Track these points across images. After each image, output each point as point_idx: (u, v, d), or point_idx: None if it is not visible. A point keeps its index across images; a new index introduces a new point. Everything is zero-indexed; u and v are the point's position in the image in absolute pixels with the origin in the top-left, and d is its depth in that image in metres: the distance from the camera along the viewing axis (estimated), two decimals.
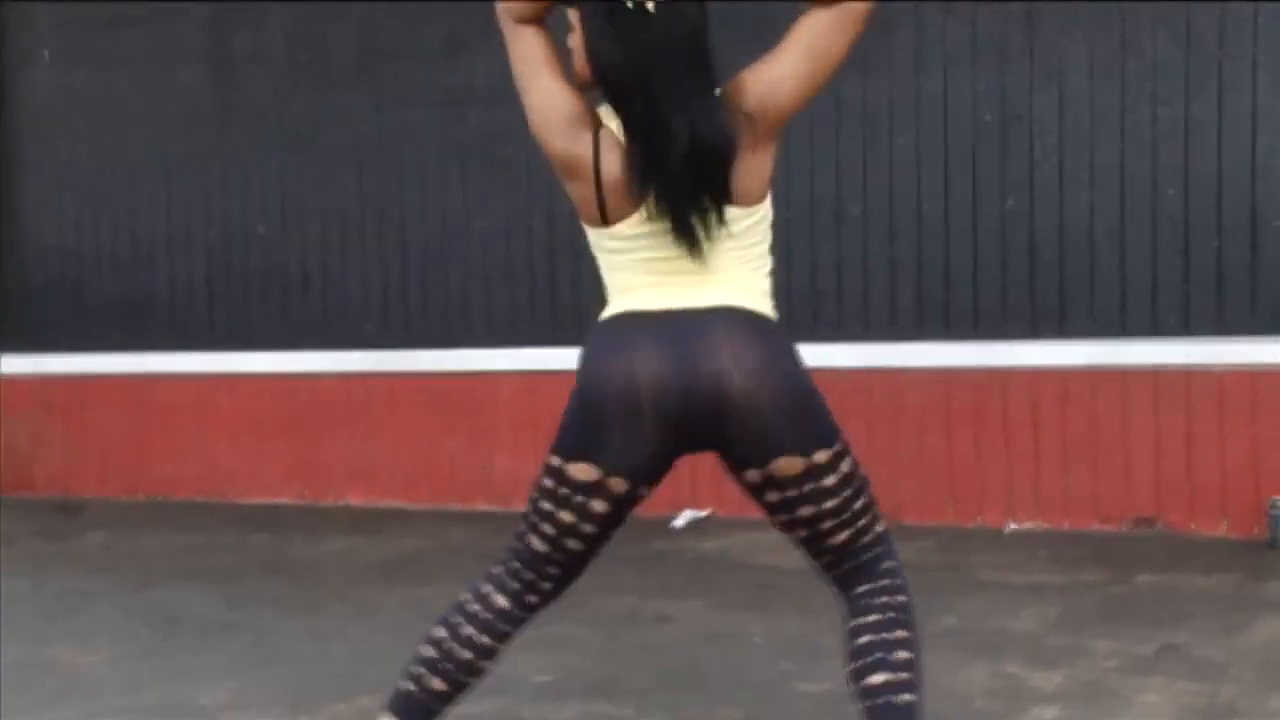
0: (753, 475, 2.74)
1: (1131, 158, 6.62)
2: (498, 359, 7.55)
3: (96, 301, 8.77)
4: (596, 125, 2.74)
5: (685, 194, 2.67)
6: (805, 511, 2.74)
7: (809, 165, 7.11)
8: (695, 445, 2.76)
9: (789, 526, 2.79)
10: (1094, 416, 6.68)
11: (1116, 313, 6.65)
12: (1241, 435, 6.43)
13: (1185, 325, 6.55)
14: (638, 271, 2.76)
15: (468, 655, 2.87)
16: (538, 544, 2.84)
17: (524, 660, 4.48)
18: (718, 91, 2.74)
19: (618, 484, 2.75)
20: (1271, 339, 6.39)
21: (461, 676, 2.89)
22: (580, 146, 2.73)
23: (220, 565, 6.44)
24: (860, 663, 2.73)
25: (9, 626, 5.14)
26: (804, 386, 2.76)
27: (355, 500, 8.07)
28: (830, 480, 2.73)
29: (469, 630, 2.87)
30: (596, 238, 2.80)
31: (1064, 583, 5.54)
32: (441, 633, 2.88)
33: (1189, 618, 4.87)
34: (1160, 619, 4.86)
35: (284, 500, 8.21)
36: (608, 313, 2.80)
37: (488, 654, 2.90)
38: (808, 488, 2.72)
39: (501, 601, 2.88)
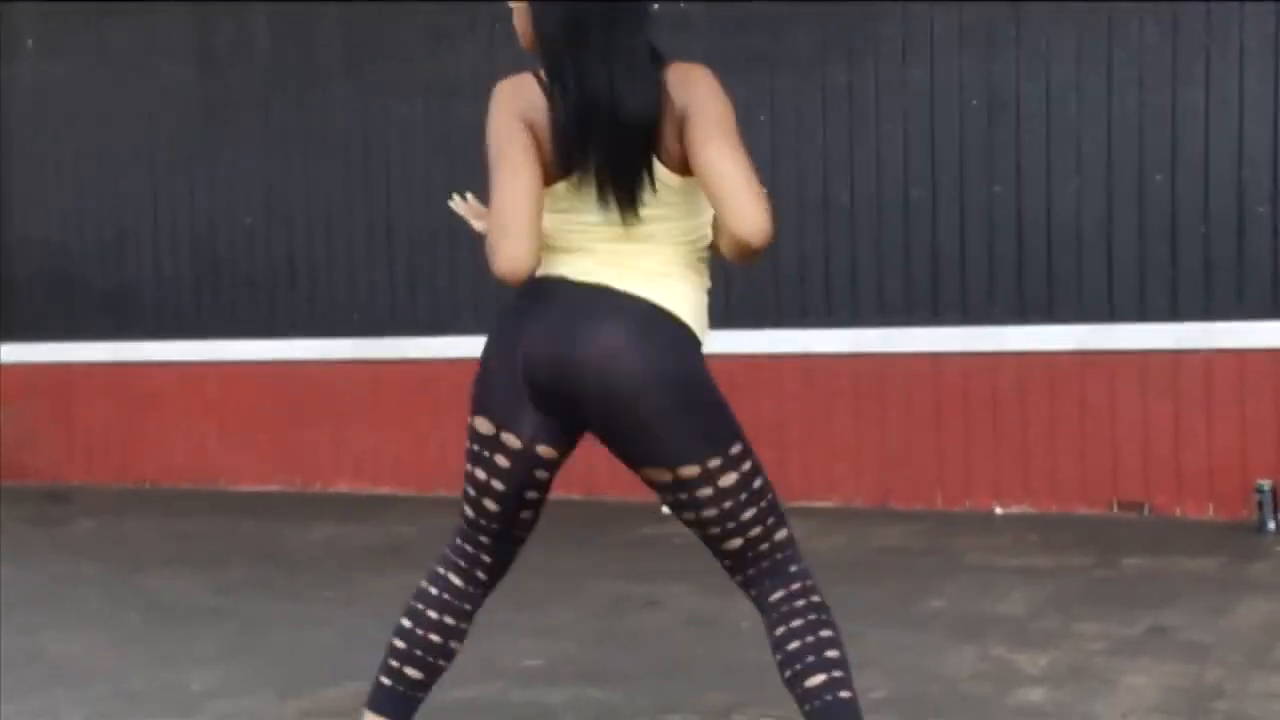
0: (648, 474, 2.75)
1: (1118, 144, 6.64)
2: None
3: (84, 291, 8.75)
4: (538, 78, 2.73)
5: (615, 153, 2.65)
6: (687, 516, 2.75)
7: (796, 153, 7.11)
8: (586, 427, 2.77)
9: (685, 524, 2.81)
10: (1081, 400, 6.70)
11: (1104, 297, 6.67)
12: (1229, 418, 6.45)
13: (1173, 309, 6.57)
14: (577, 237, 2.74)
15: (437, 639, 2.90)
16: (467, 510, 2.88)
17: (515, 646, 4.50)
18: (654, 63, 2.70)
19: (511, 439, 2.76)
20: (1258, 322, 6.40)
21: (435, 661, 2.91)
22: (536, 114, 2.70)
23: (209, 552, 6.44)
24: (795, 668, 2.74)
25: None
26: (693, 392, 2.70)
27: (343, 487, 8.08)
28: (704, 492, 2.70)
29: (433, 614, 2.90)
30: (548, 201, 2.77)
31: (1051, 566, 5.56)
32: (408, 623, 2.91)
33: (1176, 600, 4.90)
34: (1147, 601, 4.88)
35: (272, 487, 8.21)
36: (537, 274, 2.78)
37: (456, 634, 2.92)
38: (681, 496, 2.72)
39: (456, 581, 2.92)
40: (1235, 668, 4.04)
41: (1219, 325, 6.46)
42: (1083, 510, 6.67)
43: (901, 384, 6.99)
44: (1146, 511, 6.57)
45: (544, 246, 2.75)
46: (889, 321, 6.98)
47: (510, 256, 2.65)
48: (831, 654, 2.74)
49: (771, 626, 2.79)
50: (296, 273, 8.24)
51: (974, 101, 6.86)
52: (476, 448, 2.81)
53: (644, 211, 2.69)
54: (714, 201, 2.62)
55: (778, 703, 3.79)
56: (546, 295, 2.73)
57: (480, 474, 2.82)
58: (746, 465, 2.73)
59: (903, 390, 6.99)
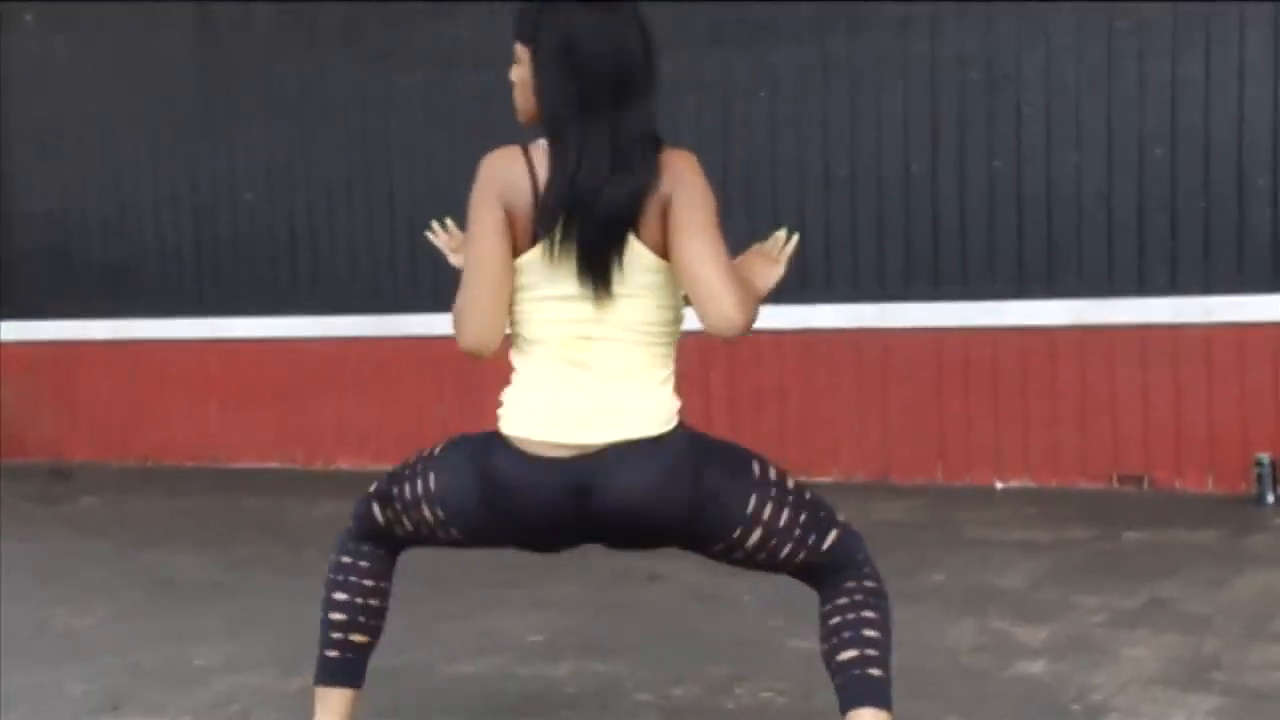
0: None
1: (1118, 116, 6.65)
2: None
3: (85, 268, 8.77)
4: (525, 155, 2.74)
5: (598, 230, 2.66)
6: (738, 556, 2.83)
7: (796, 126, 7.12)
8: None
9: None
10: (1082, 374, 6.73)
11: (1104, 271, 6.69)
12: (1228, 391, 6.48)
13: (1172, 283, 6.59)
14: (544, 325, 2.74)
15: (375, 602, 3.02)
16: (405, 529, 2.96)
17: (517, 620, 4.53)
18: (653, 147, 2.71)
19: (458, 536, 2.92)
20: (1258, 295, 6.42)
21: (377, 623, 3.03)
22: (515, 195, 2.72)
23: (212, 528, 6.47)
24: (831, 642, 2.80)
25: (4, 589, 5.16)
26: (685, 510, 2.73)
27: (346, 464, 8.10)
28: (754, 539, 2.78)
29: (369, 581, 3.00)
30: (530, 277, 2.75)
31: (1052, 539, 5.59)
32: (343, 595, 3.00)
33: (1175, 572, 4.92)
34: (1147, 574, 4.91)
35: (274, 464, 8.24)
36: (517, 401, 2.77)
37: (388, 593, 3.05)
38: (734, 555, 2.82)
39: (383, 551, 3.02)
40: (1234, 639, 4.07)
41: (1218, 299, 6.48)
42: (1083, 484, 6.70)
43: (902, 358, 7.01)
44: (1146, 485, 6.61)
45: (520, 337, 2.78)
46: (889, 296, 6.99)
47: (475, 336, 2.73)
48: (870, 633, 2.78)
49: (821, 603, 2.86)
50: (298, 248, 8.25)
51: (974, 74, 6.86)
52: (423, 508, 2.89)
53: (616, 290, 2.70)
54: (691, 296, 2.68)
55: (781, 676, 3.83)
56: (551, 470, 2.71)
57: (443, 535, 2.93)
58: (773, 487, 2.78)
59: (903, 365, 7.01)
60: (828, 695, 2.82)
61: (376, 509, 2.98)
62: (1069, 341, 6.73)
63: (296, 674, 4.00)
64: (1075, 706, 3.53)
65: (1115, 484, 6.66)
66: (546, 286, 2.73)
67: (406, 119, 7.91)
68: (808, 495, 2.84)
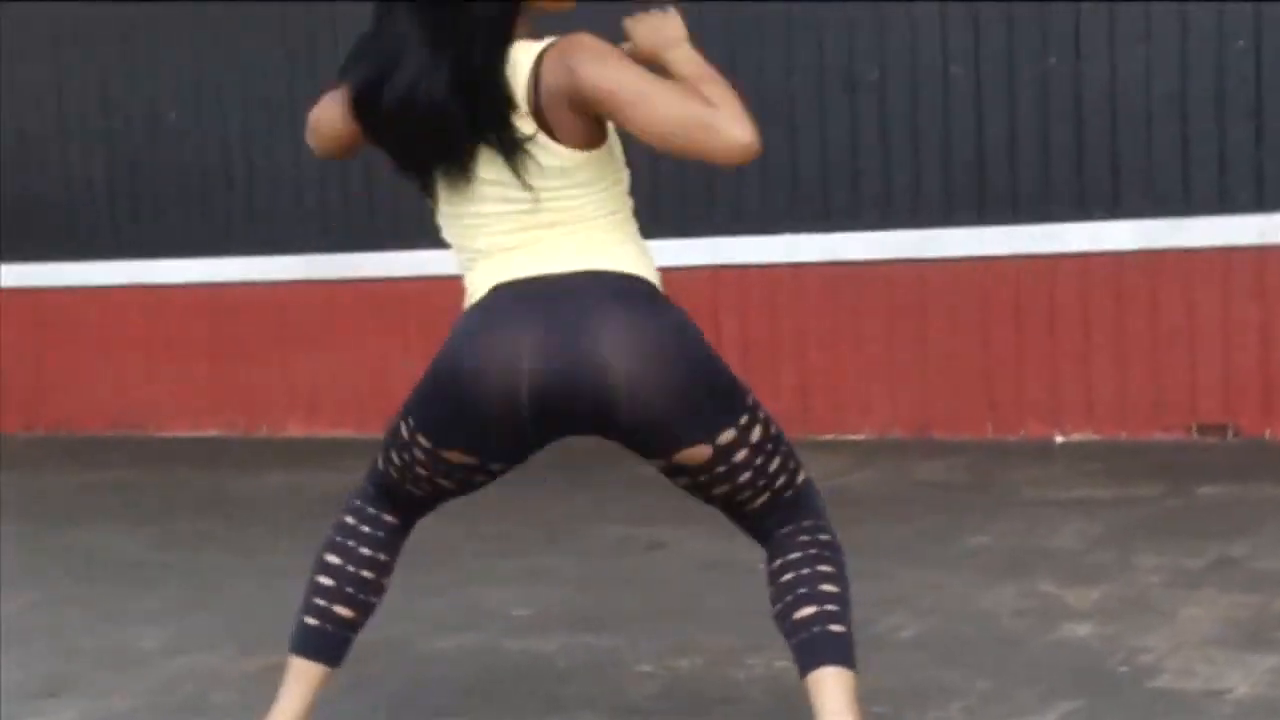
0: (657, 464, 3.10)
1: (1194, 2, 6.85)
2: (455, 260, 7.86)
3: None
4: None
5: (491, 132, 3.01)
6: (720, 490, 3.10)
7: (815, 24, 7.37)
8: (587, 431, 3.11)
9: (704, 500, 3.16)
10: (1154, 308, 7.00)
11: (1178, 186, 6.94)
12: None
13: (1258, 198, 6.85)
14: (492, 233, 3.09)
15: (370, 575, 3.26)
16: (414, 490, 3.24)
17: (505, 593, 4.92)
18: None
19: (499, 467, 3.18)
20: None
21: (368, 598, 3.28)
22: None
23: (144, 504, 6.86)
24: (786, 599, 3.07)
25: None
26: (696, 367, 3.00)
27: (296, 430, 8.42)
28: (740, 456, 3.02)
29: (366, 551, 3.26)
30: (448, 205, 3.16)
31: (1113, 497, 5.95)
32: (335, 559, 3.25)
33: (1251, 530, 5.28)
34: (1217, 531, 5.27)
35: (211, 433, 8.58)
36: (474, 291, 3.12)
37: (387, 570, 3.29)
38: (719, 470, 3.05)
39: (391, 519, 3.29)
40: None
41: None
42: (1157, 436, 6.99)
43: (943, 294, 7.28)
44: (1231, 435, 6.90)
45: (465, 255, 3.15)
46: (926, 221, 7.25)
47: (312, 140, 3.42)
48: (828, 588, 3.07)
49: (770, 559, 3.14)
50: (233, 178, 8.51)
51: None
52: (445, 468, 3.14)
53: (537, 190, 3.01)
54: (680, 152, 2.92)
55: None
56: (514, 311, 3.01)
57: (445, 483, 3.20)
58: (761, 413, 3.08)
59: (944, 302, 7.28)
60: None
61: (382, 458, 3.25)
62: (1138, 269, 6.98)
63: (255, 654, 4.37)
64: (1123, 669, 3.89)
65: (1195, 435, 6.96)
66: (473, 204, 3.09)
67: (357, 29, 8.14)
68: (784, 437, 3.13)
